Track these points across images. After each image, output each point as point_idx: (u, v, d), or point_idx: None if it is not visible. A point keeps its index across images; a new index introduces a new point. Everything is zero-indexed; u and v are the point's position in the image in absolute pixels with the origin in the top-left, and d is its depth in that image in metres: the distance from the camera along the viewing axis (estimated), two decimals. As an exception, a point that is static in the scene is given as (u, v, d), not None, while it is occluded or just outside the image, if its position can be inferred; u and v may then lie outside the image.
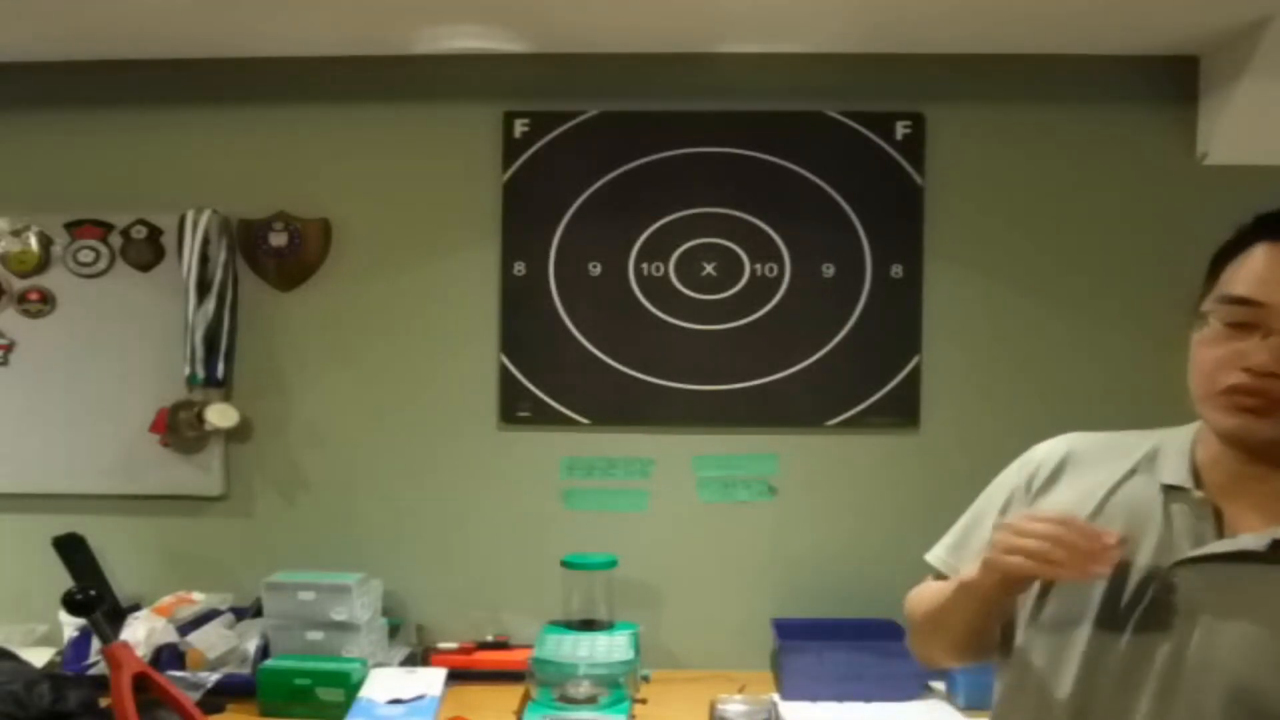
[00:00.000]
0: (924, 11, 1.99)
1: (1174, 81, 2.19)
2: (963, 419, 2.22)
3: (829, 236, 2.24)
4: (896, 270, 2.23)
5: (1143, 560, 1.06)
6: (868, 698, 1.97)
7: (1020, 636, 1.15)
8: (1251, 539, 1.02)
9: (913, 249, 2.23)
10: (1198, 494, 1.07)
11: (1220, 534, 1.05)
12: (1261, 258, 1.02)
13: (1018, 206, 2.23)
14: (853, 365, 2.24)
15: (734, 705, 1.86)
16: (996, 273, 2.23)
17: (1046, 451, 1.21)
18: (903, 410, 2.23)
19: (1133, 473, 1.12)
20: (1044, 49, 2.18)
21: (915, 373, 2.23)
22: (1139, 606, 1.05)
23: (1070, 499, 1.13)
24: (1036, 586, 1.13)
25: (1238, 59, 2.02)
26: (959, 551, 1.26)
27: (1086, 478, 1.15)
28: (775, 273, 2.25)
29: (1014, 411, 2.17)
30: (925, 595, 1.26)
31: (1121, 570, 1.06)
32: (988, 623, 1.15)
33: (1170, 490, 1.08)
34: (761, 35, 2.15)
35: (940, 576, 1.27)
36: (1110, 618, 1.06)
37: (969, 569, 1.12)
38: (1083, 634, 1.07)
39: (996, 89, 2.22)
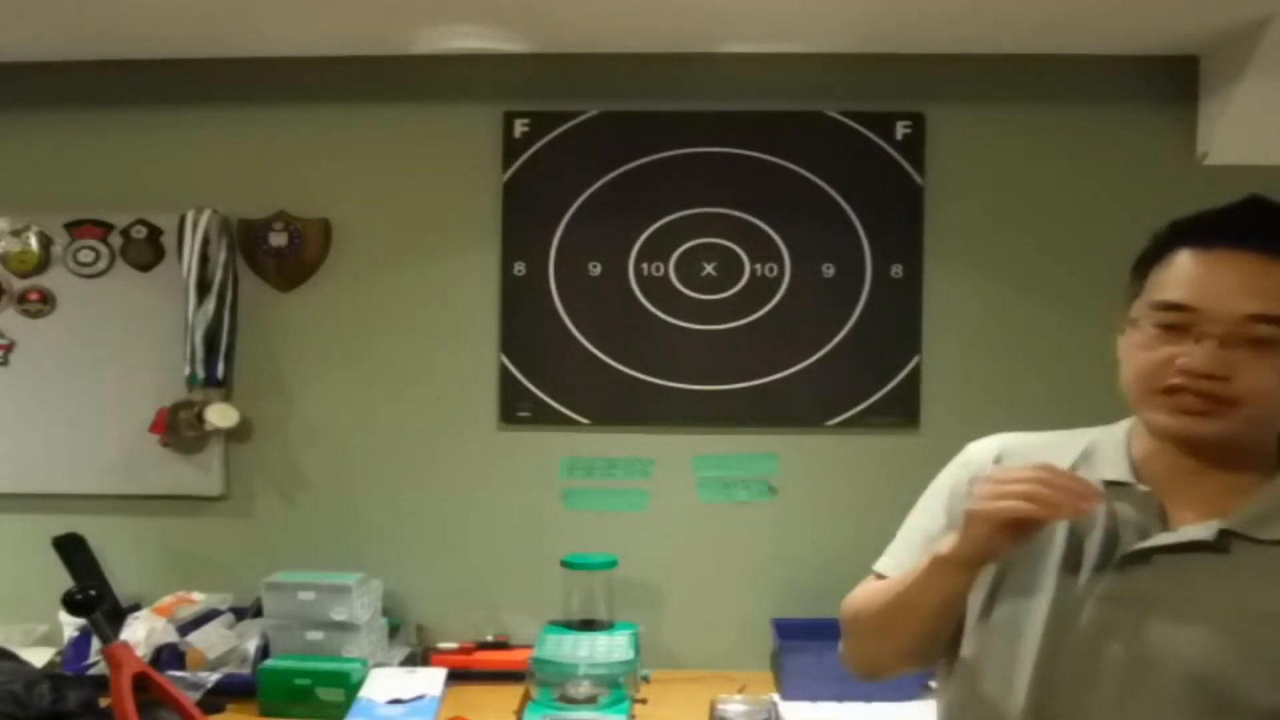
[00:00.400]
0: (924, 11, 1.99)
1: (1174, 81, 2.19)
2: (963, 419, 2.21)
3: (829, 236, 2.24)
4: (896, 270, 2.23)
5: (1091, 557, 1.07)
6: (868, 698, 1.97)
7: (969, 644, 1.15)
8: (1199, 529, 1.04)
9: (913, 249, 2.23)
10: (1142, 488, 1.09)
11: (1165, 527, 1.06)
12: (1187, 263, 1.05)
13: (1018, 206, 2.23)
14: (853, 365, 2.24)
15: (734, 705, 1.86)
16: (996, 273, 2.23)
17: (984, 450, 1.23)
18: (903, 410, 2.23)
19: (1074, 469, 1.13)
20: (1044, 49, 2.18)
21: (915, 373, 2.23)
22: (1091, 601, 1.06)
23: None
24: (986, 587, 1.13)
25: (1238, 59, 2.02)
26: (904, 556, 1.25)
27: None
28: (775, 273, 2.25)
29: (1014, 411, 2.15)
30: (873, 593, 1.23)
31: (1071, 567, 1.08)
32: (954, 607, 1.13)
33: (1112, 486, 1.10)
34: (761, 35, 2.15)
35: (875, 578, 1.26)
36: (1064, 613, 1.07)
37: (943, 543, 1.10)
38: (1036, 632, 1.08)
39: (996, 89, 2.22)
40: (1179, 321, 1.03)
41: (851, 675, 1.28)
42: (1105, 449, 1.14)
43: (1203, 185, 2.17)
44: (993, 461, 1.20)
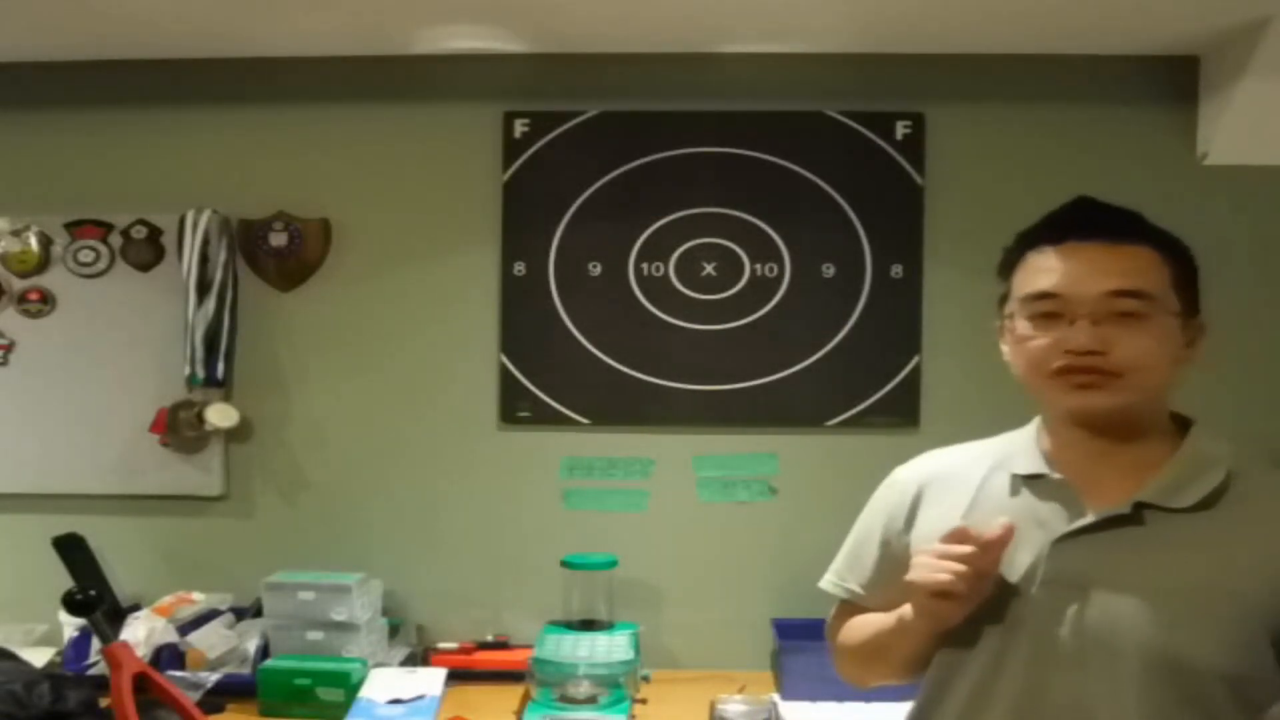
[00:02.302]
0: (924, 11, 1.99)
1: (1174, 81, 2.19)
2: (963, 419, 2.19)
3: (829, 236, 2.24)
4: (896, 270, 2.23)
5: (1024, 551, 1.15)
6: (867, 698, 1.97)
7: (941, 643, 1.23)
8: (1116, 506, 1.12)
9: (913, 249, 2.23)
10: (1056, 476, 1.18)
11: (1083, 510, 1.15)
12: (1045, 259, 1.18)
13: (1018, 206, 2.19)
14: (853, 365, 2.24)
15: (734, 705, 1.86)
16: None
17: (909, 473, 1.35)
18: (903, 410, 2.23)
19: (991, 474, 1.24)
20: (1044, 49, 2.18)
21: (915, 373, 2.23)
22: (1034, 589, 1.14)
23: (939, 512, 1.25)
24: None
25: (1238, 59, 2.02)
26: (850, 574, 1.37)
27: (951, 491, 1.27)
28: (775, 273, 2.25)
29: (1013, 412, 2.15)
30: (856, 631, 1.33)
31: (1014, 560, 1.15)
32: (927, 650, 1.23)
33: (1029, 480, 1.20)
34: (761, 35, 2.16)
35: (843, 605, 1.38)
36: (1013, 604, 1.15)
37: (905, 608, 1.20)
38: (995, 627, 1.15)
39: (996, 89, 2.22)
40: (1051, 309, 1.16)
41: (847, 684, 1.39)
42: (1017, 449, 1.25)
43: (1203, 185, 2.18)
44: (916, 486, 1.31)
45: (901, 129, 2.23)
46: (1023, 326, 1.19)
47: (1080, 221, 1.19)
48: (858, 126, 2.24)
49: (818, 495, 2.25)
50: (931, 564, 1.13)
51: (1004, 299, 1.25)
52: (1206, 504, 1.11)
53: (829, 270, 2.24)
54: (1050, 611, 1.12)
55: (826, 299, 2.24)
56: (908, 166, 2.23)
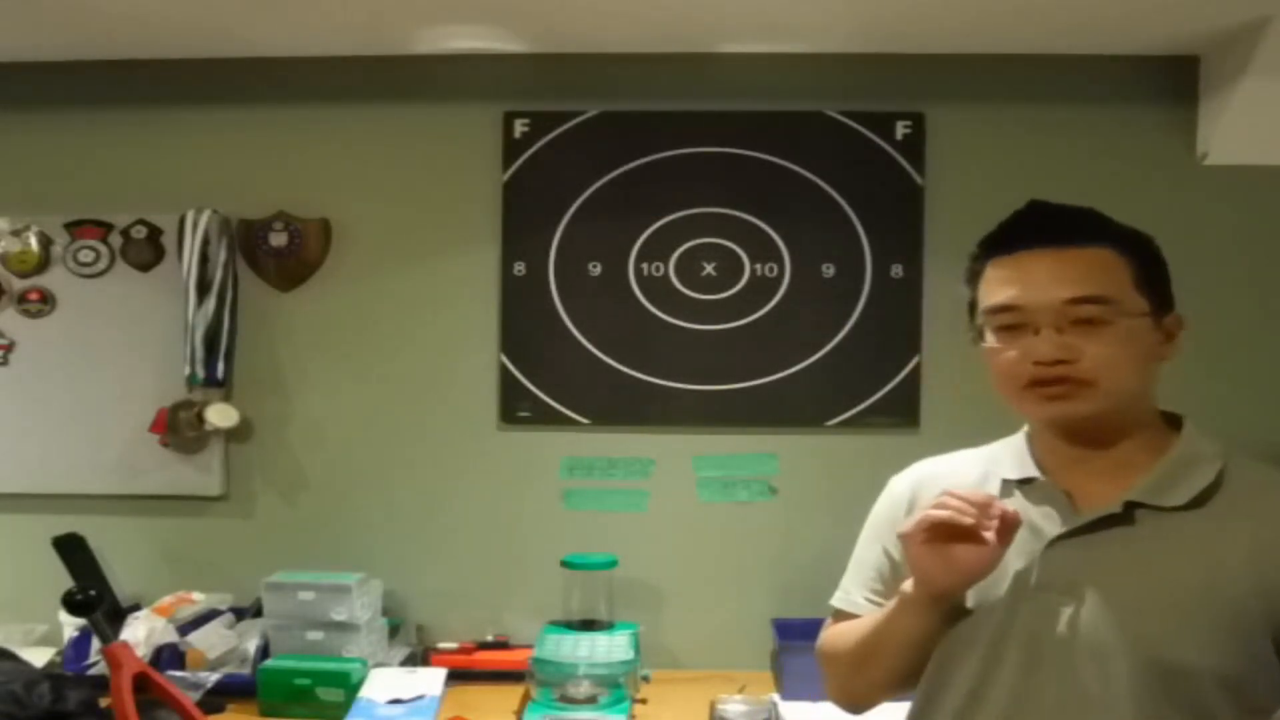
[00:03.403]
0: (924, 11, 1.99)
1: (1174, 81, 2.19)
2: (962, 419, 2.20)
3: (829, 236, 2.24)
4: (896, 270, 2.23)
5: (1018, 556, 1.13)
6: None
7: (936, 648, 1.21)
8: (1106, 506, 1.11)
9: (913, 249, 2.23)
10: (1044, 479, 1.18)
11: (1075, 512, 1.14)
12: (1000, 270, 1.17)
13: (1018, 206, 2.22)
14: (853, 365, 2.24)
15: (734, 705, 1.86)
16: (996, 273, 2.23)
17: (904, 481, 1.35)
18: (903, 410, 2.23)
19: (983, 480, 1.23)
20: (1044, 49, 2.18)
21: (915, 373, 2.23)
22: (1026, 593, 1.12)
23: None
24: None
25: (1238, 59, 2.02)
26: (855, 587, 1.33)
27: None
28: (775, 273, 2.25)
29: (1013, 411, 2.16)
30: (845, 632, 1.28)
31: (1006, 566, 1.13)
32: (925, 643, 1.18)
33: (1021, 484, 1.20)
34: (761, 35, 2.16)
35: (841, 617, 1.32)
36: (1007, 612, 1.13)
37: (906, 584, 1.16)
38: (989, 632, 1.14)
39: (996, 89, 2.22)
40: (1013, 321, 1.14)
41: (837, 708, 1.32)
42: (1009, 455, 1.24)
43: (1203, 185, 2.18)
44: (909, 490, 1.31)
45: (901, 129, 2.23)
46: (990, 339, 1.18)
47: (1031, 229, 1.18)
48: (858, 126, 2.24)
49: (818, 495, 2.25)
50: (927, 509, 1.11)
51: (973, 307, 1.23)
52: (1199, 502, 1.10)
53: (829, 270, 2.24)
54: (1043, 616, 1.11)
55: (826, 299, 2.24)
56: (908, 166, 2.23)
